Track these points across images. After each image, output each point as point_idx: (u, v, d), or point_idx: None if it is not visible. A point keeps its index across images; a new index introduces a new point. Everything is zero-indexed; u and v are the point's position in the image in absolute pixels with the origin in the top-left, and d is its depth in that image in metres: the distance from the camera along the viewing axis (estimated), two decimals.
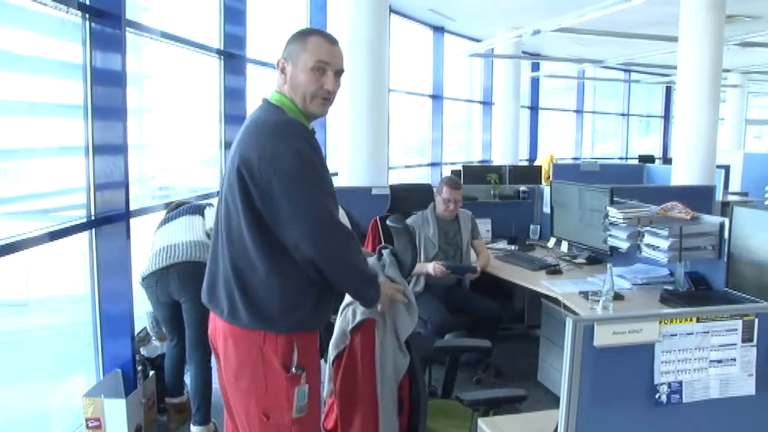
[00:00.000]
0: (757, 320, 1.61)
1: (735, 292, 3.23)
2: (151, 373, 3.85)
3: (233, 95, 5.42)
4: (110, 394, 3.49)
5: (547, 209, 5.47)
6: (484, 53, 11.22)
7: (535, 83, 14.46)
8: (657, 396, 1.55)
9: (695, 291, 3.53)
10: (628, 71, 16.17)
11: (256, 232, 2.04)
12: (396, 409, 2.43)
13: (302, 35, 2.17)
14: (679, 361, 1.56)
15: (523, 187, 5.89)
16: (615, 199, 4.21)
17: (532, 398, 4.26)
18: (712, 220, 3.60)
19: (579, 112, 16.22)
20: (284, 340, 2.07)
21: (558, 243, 5.10)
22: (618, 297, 3.47)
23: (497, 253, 5.01)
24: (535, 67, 14.27)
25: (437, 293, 4.47)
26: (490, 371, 4.50)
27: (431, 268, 4.32)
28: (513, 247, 5.23)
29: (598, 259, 4.50)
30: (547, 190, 5.60)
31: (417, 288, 4.40)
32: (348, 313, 2.47)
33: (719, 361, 1.60)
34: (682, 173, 6.61)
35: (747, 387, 1.62)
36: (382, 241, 4.59)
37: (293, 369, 2.07)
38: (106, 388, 3.53)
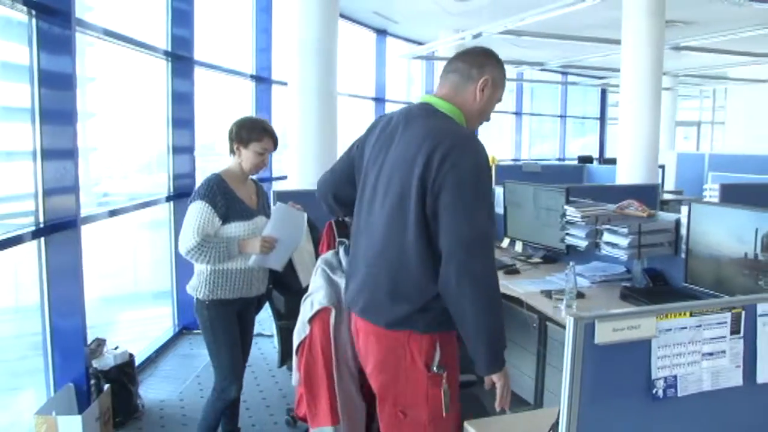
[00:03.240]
0: (743, 312, 1.65)
1: (694, 286, 3.30)
2: (106, 386, 3.70)
3: (181, 99, 5.28)
4: (63, 411, 3.33)
5: (498, 210, 5.50)
6: (426, 56, 11.30)
7: None
8: (654, 391, 1.56)
9: (654, 287, 3.61)
10: (566, 74, 16.55)
11: (422, 235, 2.05)
12: (358, 388, 2.58)
13: (503, 67, 2.24)
14: (674, 355, 1.57)
15: None
16: (570, 198, 4.26)
17: (494, 398, 4.28)
18: (668, 216, 3.69)
19: (518, 114, 16.51)
20: (428, 339, 2.09)
21: (512, 243, 5.14)
22: (579, 295, 3.51)
23: None
24: None
25: None
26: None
27: None
28: None
29: (553, 258, 4.55)
30: (499, 190, 5.63)
31: None
32: (307, 304, 2.67)
33: (711, 354, 1.61)
34: (627, 173, 6.78)
35: (736, 378, 1.65)
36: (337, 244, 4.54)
37: (434, 368, 2.09)
38: (59, 404, 3.37)
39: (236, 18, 7.28)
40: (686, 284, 3.35)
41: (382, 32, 11.17)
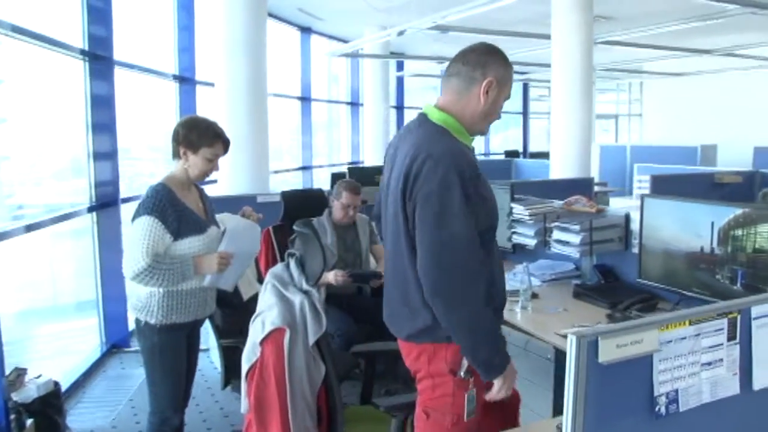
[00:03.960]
0: (739, 317, 1.57)
1: (648, 282, 3.26)
2: (29, 421, 3.36)
3: (100, 101, 4.92)
4: None
5: None
6: (351, 53, 11.14)
7: (400, 83, 14.57)
8: (657, 408, 1.46)
9: (606, 283, 3.56)
10: None
11: (414, 254, 2.04)
12: (313, 419, 2.41)
13: (508, 63, 2.15)
14: (674, 368, 1.48)
15: None
16: (515, 195, 4.18)
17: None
18: (617, 212, 3.66)
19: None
20: (455, 347, 2.04)
21: None
22: (533, 295, 3.43)
23: None
24: (400, 66, 14.39)
25: (340, 304, 4.25)
26: (400, 381, 4.35)
27: (332, 277, 4.11)
28: None
29: None
30: None
31: None
32: (257, 324, 2.46)
33: (709, 364, 1.53)
34: (560, 166, 6.81)
35: (733, 387, 1.57)
36: (277, 253, 4.33)
37: (461, 373, 2.05)
38: None
39: (155, 16, 6.92)
40: (640, 280, 3.30)
41: (306, 30, 10.94)
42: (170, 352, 2.79)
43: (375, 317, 4.26)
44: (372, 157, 11.70)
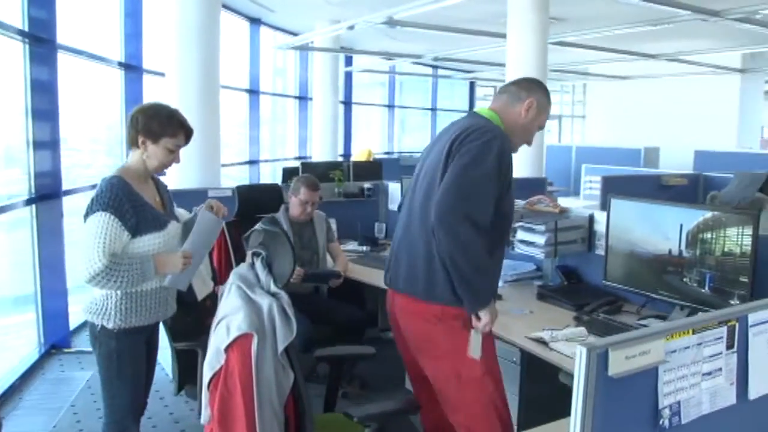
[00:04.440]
0: (737, 325, 1.53)
1: (613, 284, 3.24)
2: None
3: (41, 87, 4.63)
4: None
5: (392, 206, 5.34)
6: (301, 46, 10.96)
7: (348, 78, 14.44)
8: (661, 422, 1.40)
9: (568, 285, 3.54)
10: (436, 67, 16.69)
11: None
12: (281, 430, 2.25)
13: (549, 96, 2.61)
14: (678, 379, 1.43)
15: (367, 184, 5.69)
16: None
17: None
18: (581, 212, 3.64)
19: (391, 106, 16.49)
20: (463, 311, 2.39)
21: None
22: (497, 296, 3.37)
23: (350, 255, 4.77)
24: (348, 61, 14.26)
25: (296, 304, 4.09)
26: (355, 383, 4.25)
27: None
28: (365, 248, 5.03)
29: None
30: (393, 186, 5.47)
31: None
32: (221, 329, 2.25)
33: (709, 373, 1.49)
34: (514, 166, 6.80)
35: (730, 397, 1.54)
36: (231, 250, 4.16)
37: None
38: None
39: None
40: (606, 282, 3.28)
41: (256, 21, 10.68)
42: (129, 358, 2.59)
43: (332, 318, 4.20)
44: (320, 152, 11.53)
